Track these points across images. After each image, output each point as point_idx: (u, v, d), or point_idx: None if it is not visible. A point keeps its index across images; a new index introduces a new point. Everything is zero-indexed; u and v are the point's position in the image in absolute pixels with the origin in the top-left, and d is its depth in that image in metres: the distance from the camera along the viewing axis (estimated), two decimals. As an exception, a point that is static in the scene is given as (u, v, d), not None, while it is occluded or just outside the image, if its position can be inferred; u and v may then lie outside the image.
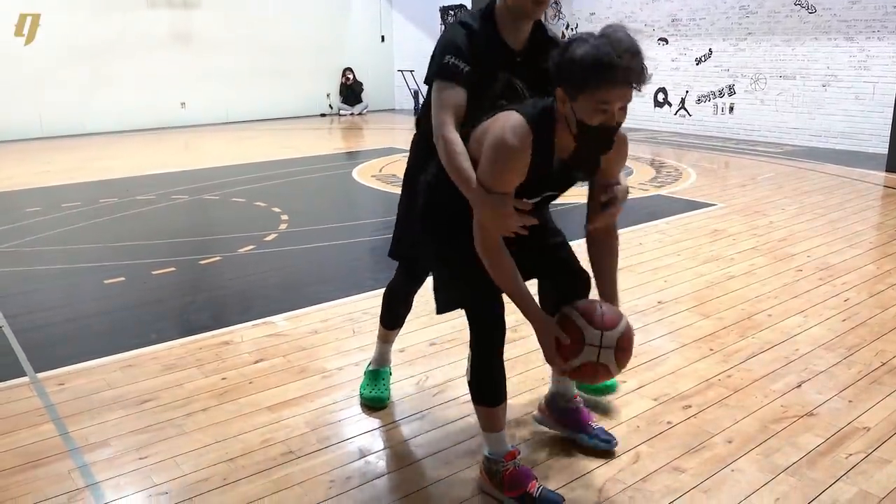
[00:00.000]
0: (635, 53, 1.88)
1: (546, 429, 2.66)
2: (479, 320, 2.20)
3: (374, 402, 2.87)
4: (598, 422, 2.63)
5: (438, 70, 2.20)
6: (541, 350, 2.17)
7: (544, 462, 2.48)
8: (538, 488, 2.22)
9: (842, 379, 3.05)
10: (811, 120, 9.83)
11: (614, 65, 1.84)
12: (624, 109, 1.93)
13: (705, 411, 2.80)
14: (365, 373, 3.00)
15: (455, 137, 2.12)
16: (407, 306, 2.87)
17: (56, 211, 6.43)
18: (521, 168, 2.01)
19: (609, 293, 2.27)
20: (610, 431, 2.60)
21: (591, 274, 2.35)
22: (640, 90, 1.93)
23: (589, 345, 2.08)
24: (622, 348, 2.12)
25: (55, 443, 2.64)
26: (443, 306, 2.33)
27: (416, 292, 2.84)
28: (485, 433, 2.30)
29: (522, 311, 2.13)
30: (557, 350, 2.11)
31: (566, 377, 2.22)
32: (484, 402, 2.26)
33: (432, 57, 2.26)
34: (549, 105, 2.02)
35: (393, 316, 2.88)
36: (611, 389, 2.90)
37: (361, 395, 2.92)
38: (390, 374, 3.00)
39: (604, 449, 2.52)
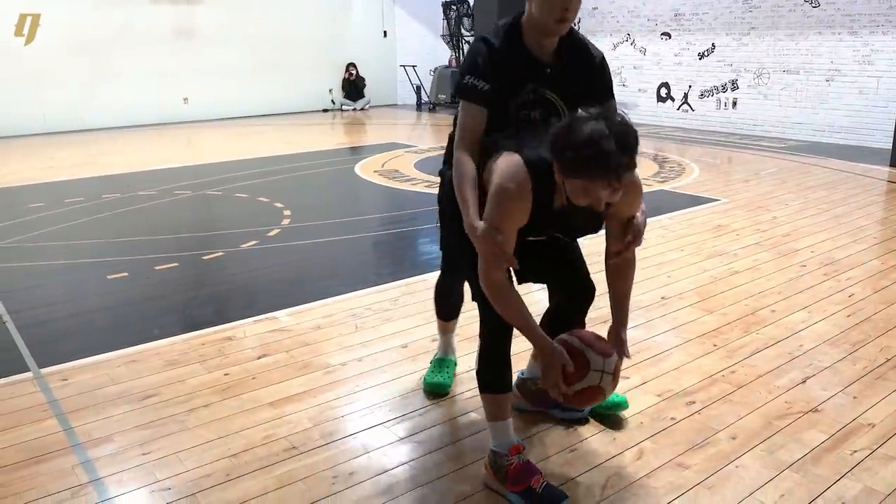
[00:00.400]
0: (625, 150, 1.85)
1: (550, 428, 2.66)
2: (489, 307, 2.21)
3: (436, 388, 2.93)
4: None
5: (459, 90, 2.27)
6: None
7: (548, 458, 2.47)
8: (542, 484, 2.22)
9: (846, 375, 3.04)
10: (815, 115, 9.80)
11: (600, 165, 1.83)
12: (616, 193, 1.91)
13: (709, 407, 2.79)
14: (431, 362, 3.07)
15: (465, 159, 2.20)
16: (456, 297, 2.93)
17: (59, 206, 6.43)
18: (521, 212, 2.05)
19: (620, 318, 2.33)
20: (608, 430, 2.60)
21: (597, 290, 2.46)
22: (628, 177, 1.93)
23: (594, 370, 2.15)
24: (616, 375, 2.21)
25: (58, 438, 2.64)
26: (473, 294, 2.38)
27: (461, 285, 2.87)
28: (490, 423, 2.31)
29: (531, 341, 2.18)
30: (563, 376, 2.15)
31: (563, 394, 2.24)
32: (491, 390, 2.28)
33: (459, 72, 2.38)
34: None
35: (446, 308, 2.97)
36: (623, 406, 2.75)
37: (424, 381, 2.97)
38: (455, 363, 3.07)
39: (577, 418, 2.66)
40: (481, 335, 2.29)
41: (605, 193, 1.89)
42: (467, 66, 2.26)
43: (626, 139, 1.85)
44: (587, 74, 2.33)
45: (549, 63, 2.27)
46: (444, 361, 3.02)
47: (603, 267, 2.33)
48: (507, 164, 2.06)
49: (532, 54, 2.26)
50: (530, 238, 2.16)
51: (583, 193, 1.91)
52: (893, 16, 8.90)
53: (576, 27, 2.39)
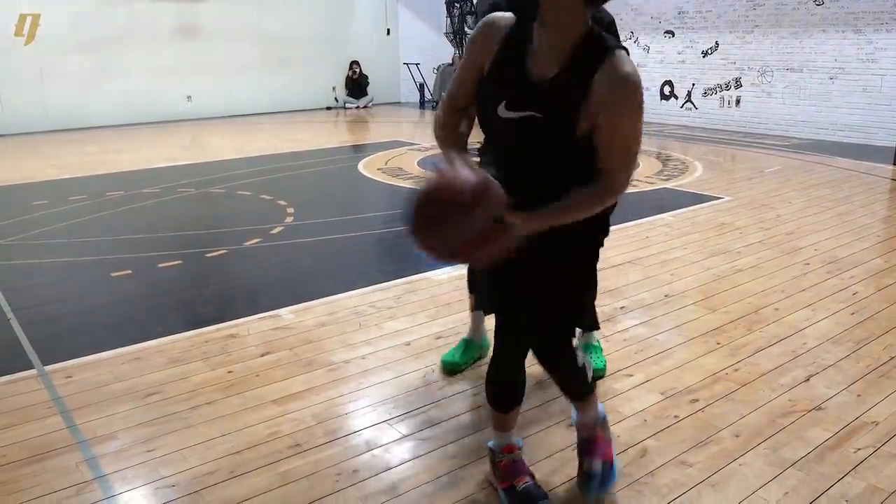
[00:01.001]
0: None
1: (554, 425, 2.67)
2: (496, 328, 2.18)
3: (447, 367, 3.02)
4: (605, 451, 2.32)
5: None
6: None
7: (551, 456, 2.47)
8: (525, 483, 2.21)
9: (850, 373, 3.04)
10: (818, 113, 9.78)
11: None
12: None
13: (712, 405, 2.79)
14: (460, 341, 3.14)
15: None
16: None
17: (63, 204, 6.44)
18: (482, 44, 1.93)
19: (543, 213, 1.86)
20: (612, 428, 2.60)
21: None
22: None
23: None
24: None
25: (63, 435, 2.64)
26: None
27: None
28: (493, 429, 2.31)
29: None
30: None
31: None
32: (492, 406, 2.27)
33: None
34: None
35: (478, 283, 3.00)
36: (600, 373, 3.01)
37: (442, 358, 3.05)
38: (481, 347, 3.11)
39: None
40: (494, 346, 2.23)
41: None
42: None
43: None
44: None
45: None
46: (470, 343, 3.08)
47: None
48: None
49: None
50: (507, 115, 1.89)
51: None
52: (897, 13, 8.88)
53: None
